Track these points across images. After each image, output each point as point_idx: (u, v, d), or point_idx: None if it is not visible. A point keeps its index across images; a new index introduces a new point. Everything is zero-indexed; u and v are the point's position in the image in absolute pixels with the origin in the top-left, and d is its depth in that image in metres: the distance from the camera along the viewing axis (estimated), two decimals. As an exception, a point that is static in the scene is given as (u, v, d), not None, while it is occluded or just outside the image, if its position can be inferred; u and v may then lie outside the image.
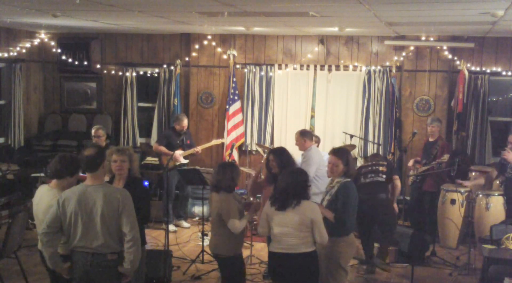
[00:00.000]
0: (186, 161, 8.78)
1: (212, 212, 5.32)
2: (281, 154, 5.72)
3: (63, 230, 4.32)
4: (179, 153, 8.59)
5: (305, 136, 7.00)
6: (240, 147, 10.00)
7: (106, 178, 4.88)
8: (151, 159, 9.83)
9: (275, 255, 4.85)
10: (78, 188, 4.34)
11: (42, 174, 8.64)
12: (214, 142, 9.19)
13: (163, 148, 8.73)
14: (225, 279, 5.39)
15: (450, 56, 9.11)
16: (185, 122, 8.77)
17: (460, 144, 9.05)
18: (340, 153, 5.21)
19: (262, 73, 9.83)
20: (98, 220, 4.21)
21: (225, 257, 5.24)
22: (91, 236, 4.24)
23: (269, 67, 9.83)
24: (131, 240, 4.23)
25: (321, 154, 7.09)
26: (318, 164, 6.80)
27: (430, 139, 8.34)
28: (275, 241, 4.83)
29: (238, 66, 9.91)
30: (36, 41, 10.09)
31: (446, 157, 7.83)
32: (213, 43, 9.93)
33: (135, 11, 6.76)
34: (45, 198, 4.63)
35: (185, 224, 9.02)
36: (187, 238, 8.36)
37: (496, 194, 7.67)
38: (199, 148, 8.79)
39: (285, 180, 4.82)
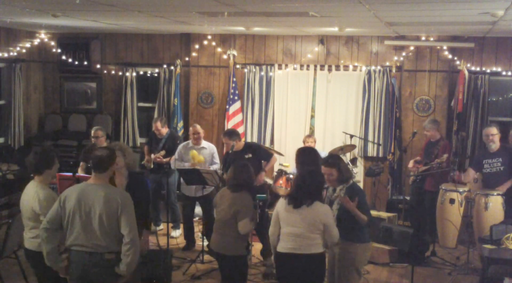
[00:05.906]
0: (151, 167, 8.25)
1: (225, 210, 5.23)
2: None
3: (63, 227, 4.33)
4: (148, 157, 8.32)
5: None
6: (240, 147, 9.97)
7: None
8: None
9: (283, 255, 4.78)
10: (80, 186, 4.36)
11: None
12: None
13: (145, 148, 8.58)
14: (226, 279, 5.38)
15: (450, 56, 9.11)
16: (157, 124, 8.27)
17: (460, 144, 9.05)
18: (331, 162, 5.15)
19: (262, 73, 9.83)
20: (96, 220, 4.21)
21: (230, 256, 5.22)
22: (88, 234, 4.23)
23: (269, 67, 9.82)
24: (129, 242, 4.21)
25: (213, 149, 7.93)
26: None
27: (432, 139, 8.34)
28: (285, 241, 4.76)
29: (238, 66, 9.91)
30: (36, 41, 10.09)
31: (445, 157, 7.84)
32: (213, 43, 9.94)
33: (135, 11, 6.76)
34: (32, 191, 4.65)
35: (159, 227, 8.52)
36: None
37: (495, 193, 7.66)
38: (159, 154, 8.10)
39: (303, 179, 4.80)
